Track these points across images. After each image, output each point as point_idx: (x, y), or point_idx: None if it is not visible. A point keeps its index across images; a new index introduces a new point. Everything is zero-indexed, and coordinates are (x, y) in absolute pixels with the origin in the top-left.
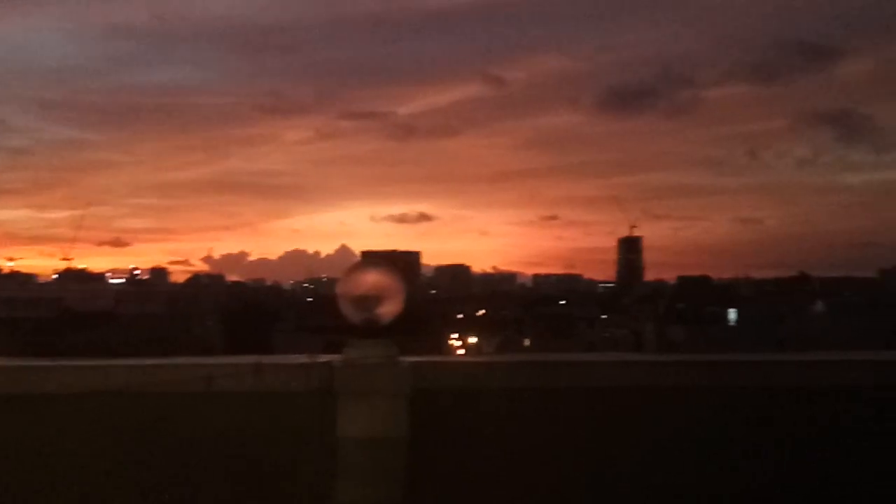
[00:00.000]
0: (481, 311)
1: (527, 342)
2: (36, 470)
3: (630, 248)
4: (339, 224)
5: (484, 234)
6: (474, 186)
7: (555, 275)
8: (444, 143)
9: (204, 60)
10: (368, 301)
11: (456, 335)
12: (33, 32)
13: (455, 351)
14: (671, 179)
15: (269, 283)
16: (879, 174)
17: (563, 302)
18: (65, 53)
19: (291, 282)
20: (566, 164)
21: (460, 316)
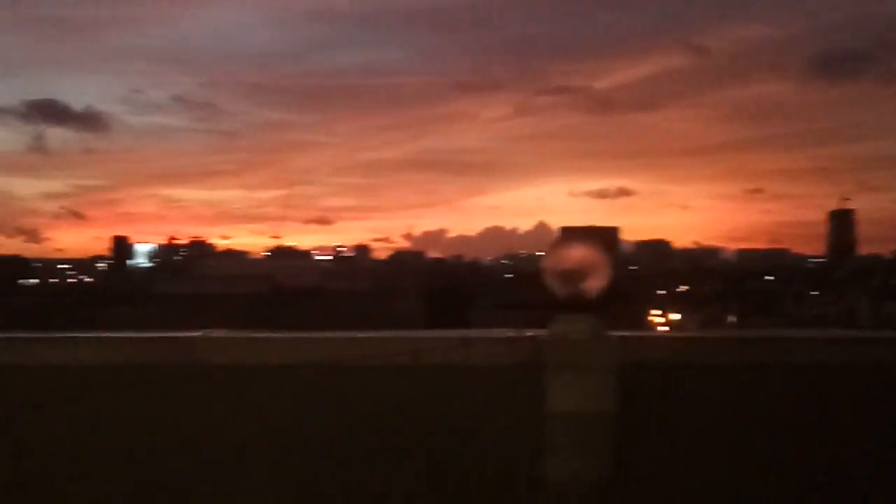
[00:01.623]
0: (683, 287)
1: (731, 318)
2: (255, 435)
3: (842, 221)
4: (536, 200)
5: (685, 208)
6: (675, 160)
7: (760, 250)
8: (643, 117)
9: (401, 41)
10: (575, 276)
11: (657, 311)
12: (242, 20)
13: (656, 327)
14: (886, 149)
15: (467, 259)
16: None
17: (770, 277)
18: (270, 39)
19: (490, 258)
20: (772, 136)
21: (661, 292)
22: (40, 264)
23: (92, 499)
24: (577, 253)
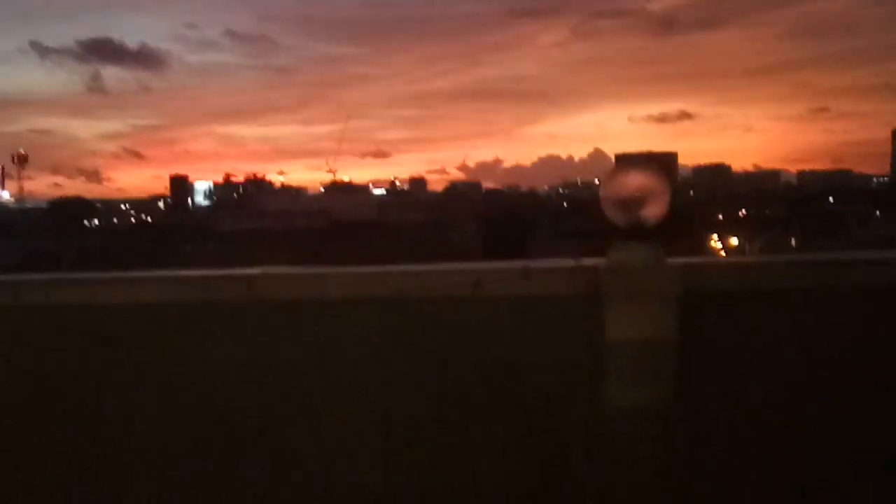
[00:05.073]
0: (743, 212)
1: (793, 242)
2: (319, 373)
3: None
4: (594, 127)
5: (747, 130)
6: (737, 81)
7: (822, 171)
8: (703, 37)
9: None
10: (633, 203)
11: (717, 236)
12: None
13: (717, 253)
14: None
15: (523, 189)
16: None
17: (832, 199)
18: None
19: (546, 187)
20: (837, 52)
21: (720, 217)
22: (101, 205)
23: (160, 436)
24: (635, 179)
